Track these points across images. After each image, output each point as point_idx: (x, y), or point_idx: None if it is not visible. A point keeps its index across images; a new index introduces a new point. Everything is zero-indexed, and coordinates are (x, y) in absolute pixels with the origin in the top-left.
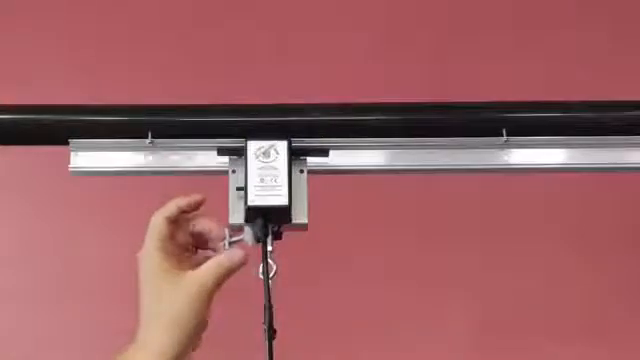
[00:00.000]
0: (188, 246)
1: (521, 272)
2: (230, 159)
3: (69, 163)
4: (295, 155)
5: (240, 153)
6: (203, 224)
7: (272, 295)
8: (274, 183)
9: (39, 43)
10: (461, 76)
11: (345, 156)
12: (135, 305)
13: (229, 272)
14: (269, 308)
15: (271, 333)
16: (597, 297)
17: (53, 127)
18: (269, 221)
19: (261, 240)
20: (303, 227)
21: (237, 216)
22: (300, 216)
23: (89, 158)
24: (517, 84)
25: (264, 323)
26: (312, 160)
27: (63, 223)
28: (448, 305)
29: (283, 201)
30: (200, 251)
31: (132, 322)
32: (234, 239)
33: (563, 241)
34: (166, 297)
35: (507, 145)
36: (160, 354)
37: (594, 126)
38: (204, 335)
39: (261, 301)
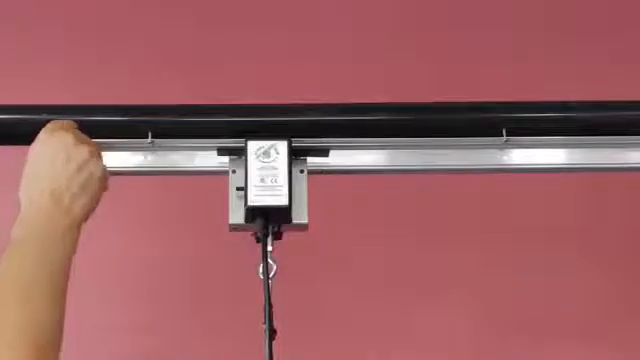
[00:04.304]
0: None
1: (521, 272)
2: (230, 159)
3: None
4: (295, 155)
5: (240, 153)
6: None
7: (272, 295)
8: (274, 183)
9: (39, 43)
10: (461, 76)
11: (345, 156)
12: (133, 304)
13: None
14: (269, 308)
15: (271, 333)
16: (597, 297)
17: None
18: (269, 221)
19: (261, 240)
20: (303, 227)
21: (237, 216)
22: (300, 216)
23: None
24: (517, 84)
25: (264, 323)
26: (312, 160)
27: None
28: (448, 305)
29: (283, 201)
30: None
31: (129, 320)
32: None
33: (563, 241)
34: None
35: (507, 145)
36: None
37: (594, 126)
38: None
39: (261, 301)
